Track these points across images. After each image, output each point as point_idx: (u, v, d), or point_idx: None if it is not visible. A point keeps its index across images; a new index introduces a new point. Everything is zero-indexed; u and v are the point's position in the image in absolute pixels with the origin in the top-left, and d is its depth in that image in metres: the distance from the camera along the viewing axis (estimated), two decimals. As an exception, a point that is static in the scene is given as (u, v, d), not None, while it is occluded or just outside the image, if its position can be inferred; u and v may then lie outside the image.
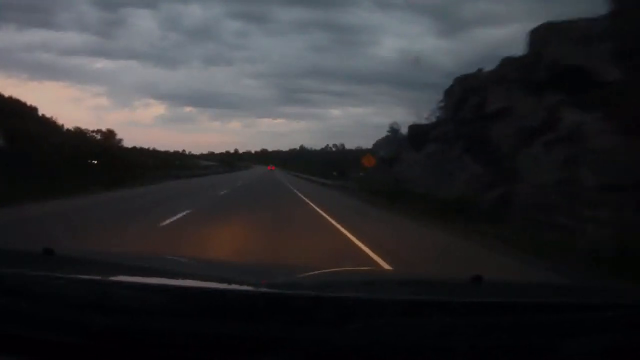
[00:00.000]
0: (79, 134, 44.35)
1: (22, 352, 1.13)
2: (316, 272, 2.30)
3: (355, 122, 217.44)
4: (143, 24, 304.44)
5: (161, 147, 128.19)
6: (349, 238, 9.39)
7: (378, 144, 43.64)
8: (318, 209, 15.75)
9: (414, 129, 26.49)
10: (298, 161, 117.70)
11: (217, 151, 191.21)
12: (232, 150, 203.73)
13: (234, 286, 1.56)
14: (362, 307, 1.23)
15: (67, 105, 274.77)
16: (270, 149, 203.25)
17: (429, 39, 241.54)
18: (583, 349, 1.15)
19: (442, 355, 1.13)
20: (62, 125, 42.77)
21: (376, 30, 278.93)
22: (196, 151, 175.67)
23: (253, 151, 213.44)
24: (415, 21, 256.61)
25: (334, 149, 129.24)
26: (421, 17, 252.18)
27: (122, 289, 1.27)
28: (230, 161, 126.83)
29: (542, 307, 1.39)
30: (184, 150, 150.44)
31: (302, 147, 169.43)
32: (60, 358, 1.13)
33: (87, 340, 1.12)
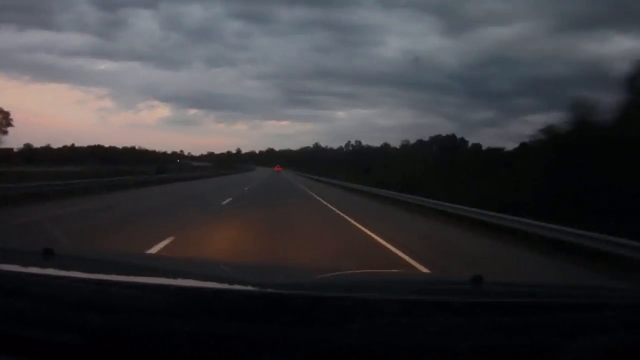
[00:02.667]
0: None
1: (22, 352, 1.13)
2: (316, 272, 2.30)
3: (361, 123, 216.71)
4: (144, 24, 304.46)
5: (162, 149, 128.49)
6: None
7: None
8: None
9: None
10: (312, 162, 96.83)
11: (217, 152, 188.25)
12: (234, 151, 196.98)
13: (234, 286, 1.56)
14: (362, 307, 1.23)
15: (72, 107, 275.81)
16: (277, 149, 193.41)
17: (433, 38, 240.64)
18: (583, 349, 1.15)
19: (442, 355, 1.13)
20: None
21: (380, 30, 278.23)
22: (196, 152, 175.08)
23: (257, 151, 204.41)
24: (419, 20, 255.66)
25: (351, 148, 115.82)
26: (425, 16, 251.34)
27: (122, 289, 1.27)
28: (231, 162, 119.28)
29: (542, 307, 1.39)
30: (181, 151, 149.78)
31: (316, 146, 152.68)
32: (60, 358, 1.13)
33: (87, 340, 1.12)
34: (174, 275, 1.71)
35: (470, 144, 63.32)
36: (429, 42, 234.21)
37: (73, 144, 77.19)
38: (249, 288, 1.48)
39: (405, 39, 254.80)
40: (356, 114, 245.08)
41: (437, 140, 68.25)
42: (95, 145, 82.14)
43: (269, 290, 1.42)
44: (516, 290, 1.86)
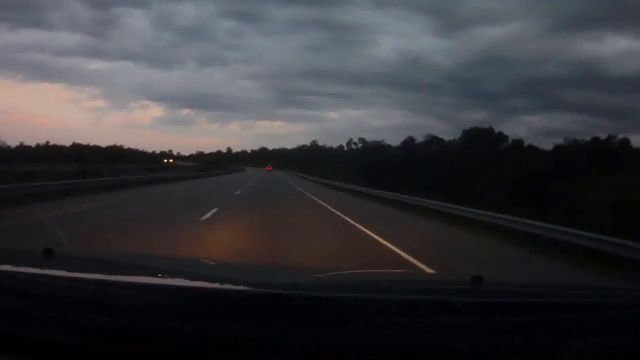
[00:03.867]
0: None
1: (22, 352, 1.13)
2: (316, 272, 2.30)
3: (354, 124, 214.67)
4: (136, 23, 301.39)
5: (153, 149, 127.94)
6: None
7: None
8: None
9: None
10: (309, 162, 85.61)
11: (207, 151, 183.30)
12: (224, 150, 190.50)
13: (234, 286, 1.56)
14: (362, 307, 1.23)
15: (66, 107, 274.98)
16: (270, 148, 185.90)
17: (427, 38, 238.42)
18: (583, 349, 1.15)
19: (442, 355, 1.13)
20: None
21: (373, 30, 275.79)
22: (186, 152, 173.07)
23: (249, 150, 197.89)
24: (413, 19, 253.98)
25: (353, 147, 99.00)
26: (419, 15, 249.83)
27: (122, 289, 1.27)
28: (219, 162, 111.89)
29: (542, 307, 1.39)
30: (170, 150, 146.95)
31: (314, 144, 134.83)
32: (60, 358, 1.13)
33: (87, 340, 1.12)
34: (174, 275, 1.71)
35: (510, 139, 50.21)
36: (423, 42, 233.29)
37: (47, 142, 74.77)
38: (249, 288, 1.48)
39: (399, 38, 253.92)
40: (348, 115, 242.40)
41: (471, 134, 52.03)
42: (72, 144, 78.81)
43: (268, 290, 1.42)
44: (516, 290, 1.87)
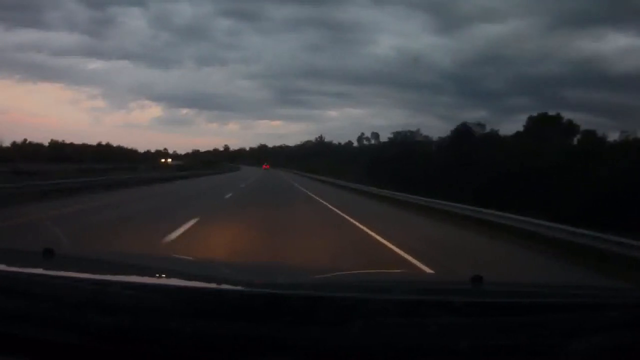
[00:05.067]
0: None
1: (22, 352, 1.13)
2: (316, 272, 2.31)
3: (353, 124, 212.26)
4: (133, 23, 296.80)
5: (149, 148, 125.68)
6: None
7: None
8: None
9: None
10: (314, 160, 76.36)
11: (202, 149, 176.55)
12: (221, 148, 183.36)
13: (233, 286, 1.56)
14: (362, 307, 1.23)
15: (65, 107, 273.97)
16: (270, 145, 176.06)
17: (426, 36, 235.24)
18: (584, 349, 1.15)
19: (442, 355, 1.13)
20: None
21: (372, 28, 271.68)
22: (182, 151, 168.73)
23: (248, 148, 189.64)
24: (412, 17, 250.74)
25: (365, 142, 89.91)
26: (418, 13, 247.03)
27: (122, 289, 1.27)
28: (215, 160, 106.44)
29: (542, 307, 1.39)
30: (165, 149, 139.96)
31: (320, 140, 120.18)
32: (60, 358, 1.13)
33: (87, 340, 1.12)
34: (174, 275, 1.71)
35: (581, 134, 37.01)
36: (422, 40, 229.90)
37: (25, 139, 73.41)
38: (249, 288, 1.48)
39: (398, 37, 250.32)
40: (348, 113, 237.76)
41: (537, 121, 39.10)
42: (50, 142, 76.60)
43: (268, 290, 1.42)
44: (516, 290, 1.86)
